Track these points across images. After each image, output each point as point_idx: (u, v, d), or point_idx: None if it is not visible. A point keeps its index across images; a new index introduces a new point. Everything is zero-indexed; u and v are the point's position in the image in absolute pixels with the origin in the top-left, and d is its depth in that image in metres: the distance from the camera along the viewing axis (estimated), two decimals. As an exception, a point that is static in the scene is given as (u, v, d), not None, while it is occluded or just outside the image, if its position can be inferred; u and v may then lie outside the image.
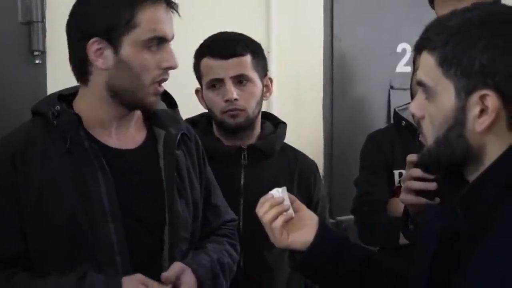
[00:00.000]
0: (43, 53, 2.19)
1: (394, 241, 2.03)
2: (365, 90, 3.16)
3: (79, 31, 1.58)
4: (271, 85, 2.17)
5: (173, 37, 1.60)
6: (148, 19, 1.54)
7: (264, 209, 1.46)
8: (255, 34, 2.15)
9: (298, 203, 1.52)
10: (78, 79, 1.63)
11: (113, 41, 1.55)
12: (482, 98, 1.18)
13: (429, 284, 1.25)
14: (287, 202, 1.47)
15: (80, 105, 1.64)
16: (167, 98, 1.77)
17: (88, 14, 1.58)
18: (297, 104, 2.74)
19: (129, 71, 1.56)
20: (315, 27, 3.00)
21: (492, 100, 1.17)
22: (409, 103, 2.11)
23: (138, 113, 1.70)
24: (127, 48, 1.55)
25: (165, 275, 1.57)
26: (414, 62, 2.02)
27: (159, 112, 1.71)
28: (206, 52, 2.04)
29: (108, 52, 1.56)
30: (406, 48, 3.21)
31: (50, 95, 1.66)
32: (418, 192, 1.62)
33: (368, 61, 3.15)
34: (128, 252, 1.56)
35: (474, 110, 1.19)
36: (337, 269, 1.46)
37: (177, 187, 1.66)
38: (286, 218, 1.46)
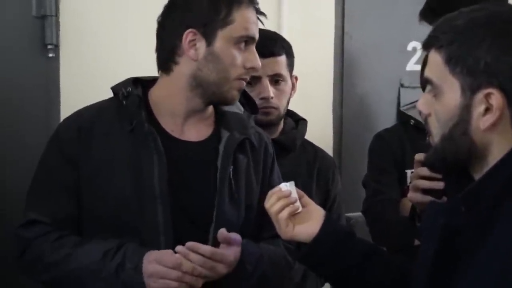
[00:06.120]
0: (56, 46, 2.22)
1: (409, 241, 1.99)
2: (375, 87, 3.16)
3: (176, 20, 1.66)
4: (296, 83, 2.22)
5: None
6: (242, 18, 1.64)
7: (272, 201, 1.51)
8: (265, 30, 2.16)
9: (306, 198, 1.56)
10: (160, 67, 1.71)
11: (208, 34, 1.64)
12: (487, 96, 1.19)
13: (431, 280, 1.27)
14: (294, 195, 1.51)
15: (157, 92, 1.72)
16: (249, 103, 1.83)
17: (189, 6, 1.66)
18: (306, 100, 2.74)
19: (218, 64, 1.64)
20: (326, 23, 3.01)
21: (497, 99, 1.19)
22: (415, 101, 2.11)
23: (210, 111, 1.76)
24: (220, 42, 1.63)
25: (224, 232, 1.59)
26: None
27: (228, 114, 1.76)
28: None
29: (201, 44, 1.64)
30: (416, 46, 3.20)
31: (129, 78, 1.74)
32: (426, 191, 1.62)
33: (379, 58, 3.15)
34: (172, 233, 1.60)
35: (479, 108, 1.21)
36: (339, 262, 1.49)
37: (230, 189, 1.69)
38: (292, 210, 1.50)
